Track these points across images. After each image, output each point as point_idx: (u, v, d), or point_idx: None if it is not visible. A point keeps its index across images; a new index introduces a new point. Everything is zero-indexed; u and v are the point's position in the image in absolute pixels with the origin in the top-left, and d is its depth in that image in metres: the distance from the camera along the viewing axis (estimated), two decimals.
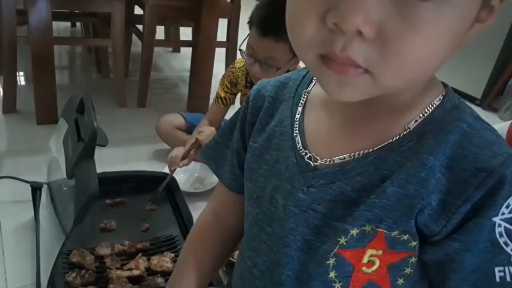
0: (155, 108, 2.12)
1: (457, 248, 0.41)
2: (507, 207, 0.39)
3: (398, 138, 0.44)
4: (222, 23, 2.17)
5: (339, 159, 0.46)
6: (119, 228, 1.20)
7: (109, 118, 1.97)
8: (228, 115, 1.67)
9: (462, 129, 0.42)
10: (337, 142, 0.48)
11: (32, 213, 1.24)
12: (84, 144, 0.87)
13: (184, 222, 1.22)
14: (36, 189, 1.25)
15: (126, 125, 1.94)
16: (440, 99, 0.45)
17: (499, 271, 0.41)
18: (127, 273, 1.04)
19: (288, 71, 1.45)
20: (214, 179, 1.57)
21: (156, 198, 1.33)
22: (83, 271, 1.02)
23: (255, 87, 0.59)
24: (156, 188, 1.34)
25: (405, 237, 0.43)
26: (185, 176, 1.57)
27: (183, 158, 1.43)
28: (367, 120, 0.46)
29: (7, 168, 1.46)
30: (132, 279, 1.03)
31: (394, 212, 0.43)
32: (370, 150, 0.45)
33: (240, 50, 1.44)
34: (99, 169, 1.30)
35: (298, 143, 0.49)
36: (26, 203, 1.27)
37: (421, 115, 0.44)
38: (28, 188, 1.25)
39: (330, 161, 0.47)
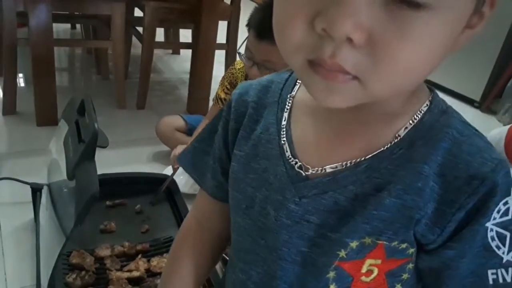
0: (155, 110, 2.12)
1: (452, 255, 0.42)
2: (498, 212, 0.40)
3: (389, 146, 0.43)
4: (222, 26, 2.18)
5: (331, 168, 0.45)
6: (119, 229, 1.21)
7: (109, 120, 1.97)
8: None
9: (452, 136, 0.42)
10: (327, 150, 0.46)
11: (32, 215, 1.24)
12: (84, 145, 0.87)
13: None
14: (36, 190, 1.25)
15: (125, 127, 1.95)
16: (427, 104, 0.45)
17: (492, 273, 0.41)
18: (127, 275, 1.04)
19: None
20: None
21: (156, 200, 1.33)
22: (83, 272, 1.02)
23: (236, 91, 0.55)
24: (156, 189, 1.34)
25: (404, 245, 0.44)
26: (185, 178, 1.57)
27: None
28: (357, 128, 0.45)
29: (7, 170, 1.47)
30: (132, 281, 1.03)
31: (393, 223, 0.43)
32: (362, 158, 0.44)
33: (239, 53, 1.44)
34: (99, 171, 1.30)
35: (287, 151, 0.48)
36: (26, 204, 1.27)
37: (410, 121, 0.43)
38: (28, 190, 1.26)
39: (321, 170, 0.45)
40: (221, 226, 0.61)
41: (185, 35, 2.80)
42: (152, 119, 1.86)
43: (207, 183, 0.60)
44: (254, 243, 0.50)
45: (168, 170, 1.49)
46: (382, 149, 0.43)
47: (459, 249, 0.41)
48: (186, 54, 2.32)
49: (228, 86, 1.58)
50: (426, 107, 0.44)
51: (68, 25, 3.07)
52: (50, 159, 1.22)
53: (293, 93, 0.51)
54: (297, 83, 0.52)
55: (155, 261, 1.10)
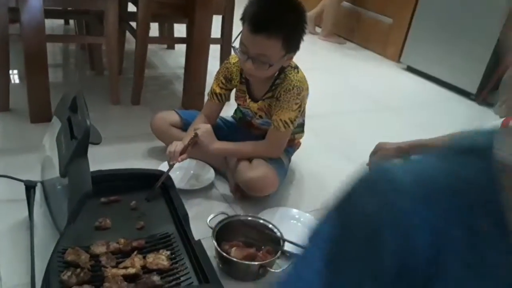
0: (150, 105, 2.11)
1: None
2: None
3: None
4: (217, 20, 2.16)
5: None
6: (114, 226, 1.19)
7: (103, 116, 1.96)
8: (224, 112, 1.67)
9: None
10: None
11: (27, 212, 1.23)
12: (77, 142, 0.86)
13: (180, 220, 1.21)
14: (30, 187, 1.24)
15: (120, 123, 1.94)
16: None
17: None
18: (122, 271, 1.03)
19: (282, 67, 1.46)
20: (210, 176, 1.57)
21: (152, 196, 1.32)
22: (78, 269, 1.01)
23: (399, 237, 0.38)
24: (151, 185, 1.33)
25: None
26: (181, 174, 1.57)
27: (181, 152, 1.42)
28: None
29: (1, 167, 1.45)
30: (127, 277, 1.02)
31: None
32: None
33: (233, 47, 1.43)
34: (93, 167, 1.29)
35: None
36: (20, 202, 1.26)
37: None
38: (22, 187, 1.24)
39: None
40: None
41: (180, 30, 2.78)
42: (147, 114, 1.85)
43: None
44: None
45: (164, 166, 1.48)
46: None
47: None
48: (181, 49, 2.30)
49: (223, 81, 1.57)
50: None
51: (61, 21, 3.06)
52: (43, 156, 1.21)
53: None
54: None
55: (151, 257, 1.09)
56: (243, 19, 1.35)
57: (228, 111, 1.78)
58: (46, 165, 1.17)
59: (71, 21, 3.02)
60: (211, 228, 1.23)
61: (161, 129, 1.65)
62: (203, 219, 1.29)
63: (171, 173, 1.38)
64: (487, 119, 2.73)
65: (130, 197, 1.30)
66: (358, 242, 0.39)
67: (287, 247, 1.23)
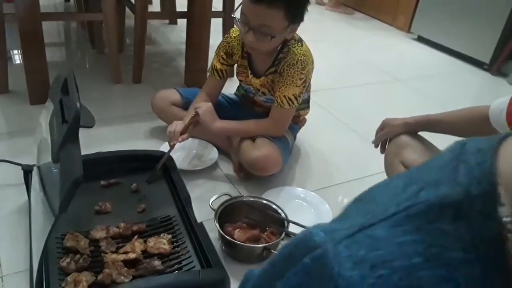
0: (152, 83, 2.06)
1: None
2: None
3: None
4: None
5: None
6: (115, 210, 1.17)
7: (104, 96, 1.92)
8: (227, 89, 1.62)
9: None
10: None
11: (27, 197, 1.21)
12: (67, 127, 0.82)
13: (182, 202, 1.18)
14: (28, 172, 1.21)
15: (121, 103, 1.89)
16: None
17: None
18: (122, 257, 1.01)
19: (285, 41, 1.39)
20: (213, 155, 1.53)
21: (153, 178, 1.29)
22: (78, 255, 0.99)
23: None
24: (152, 167, 1.30)
25: None
26: (183, 154, 1.53)
27: (182, 132, 1.38)
28: None
29: (1, 151, 1.43)
30: (127, 263, 1.00)
31: None
32: None
33: (234, 18, 1.36)
34: (93, 149, 1.27)
35: None
36: (19, 186, 1.24)
37: None
38: (21, 171, 1.22)
39: None
40: None
41: (183, 3, 2.70)
42: (149, 93, 1.80)
43: None
44: None
45: (165, 147, 1.44)
46: None
47: None
48: (184, 24, 2.23)
49: (224, 56, 1.51)
50: None
51: None
52: (40, 137, 1.17)
53: None
54: None
55: (151, 241, 1.07)
56: None
57: (231, 88, 1.72)
58: (42, 147, 1.14)
59: None
60: (213, 209, 1.20)
61: (162, 108, 1.60)
62: (206, 200, 1.26)
63: (172, 154, 1.35)
64: (501, 90, 2.64)
65: (131, 180, 1.27)
66: None
67: (292, 228, 1.19)
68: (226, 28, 2.22)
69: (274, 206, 1.24)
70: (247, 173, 1.45)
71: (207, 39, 1.99)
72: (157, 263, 1.01)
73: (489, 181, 0.31)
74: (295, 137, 1.61)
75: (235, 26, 1.46)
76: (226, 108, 1.58)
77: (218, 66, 1.51)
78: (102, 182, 1.25)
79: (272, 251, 1.13)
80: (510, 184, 0.31)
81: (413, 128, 1.22)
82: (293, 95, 1.38)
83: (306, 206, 1.37)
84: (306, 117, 1.66)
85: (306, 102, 1.59)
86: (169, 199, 1.23)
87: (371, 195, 0.40)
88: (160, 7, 2.78)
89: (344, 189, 1.51)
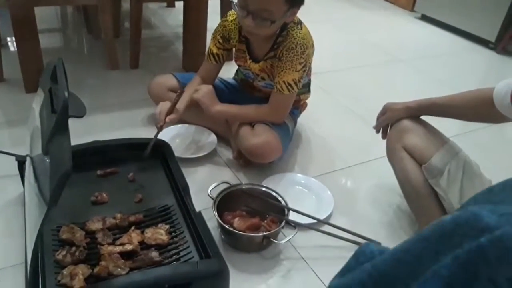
0: (149, 68, 2.02)
1: None
2: None
3: None
4: None
5: None
6: (111, 200, 1.14)
7: (101, 82, 1.89)
8: (225, 72, 1.57)
9: None
10: None
11: (22, 188, 1.19)
12: (56, 117, 0.79)
13: (180, 191, 1.15)
14: (22, 162, 1.19)
15: (119, 89, 1.86)
16: None
17: None
18: (119, 249, 0.98)
19: (284, 24, 1.34)
20: (211, 141, 1.50)
21: (146, 164, 1.25)
22: (74, 248, 0.97)
23: None
24: (152, 155, 1.27)
25: None
26: (180, 141, 1.50)
27: (169, 113, 1.34)
28: None
29: None
30: (124, 255, 0.98)
31: None
32: None
33: (231, 1, 1.31)
34: (89, 137, 1.24)
35: None
36: (15, 177, 1.22)
37: None
38: (16, 162, 1.20)
39: None
40: None
41: None
42: (147, 79, 1.75)
43: None
44: None
45: (163, 134, 1.40)
46: None
47: None
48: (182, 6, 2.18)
49: (221, 40, 1.46)
50: None
51: None
52: (33, 125, 1.14)
53: None
54: None
55: (149, 232, 1.04)
56: None
57: (230, 72, 1.68)
58: (35, 136, 1.11)
59: None
60: (212, 198, 1.17)
61: (159, 94, 1.57)
62: (205, 189, 1.24)
63: (170, 141, 1.31)
64: (506, 69, 2.58)
65: (128, 169, 1.25)
66: None
67: (292, 216, 1.17)
68: (224, 9, 2.16)
69: (274, 194, 1.21)
70: (246, 160, 1.42)
71: (204, 21, 1.94)
72: (154, 254, 0.99)
73: None
74: (295, 123, 1.57)
75: (232, 9, 1.42)
76: (224, 93, 1.54)
77: (215, 50, 1.47)
78: (99, 172, 1.22)
79: (272, 240, 1.11)
80: None
81: (415, 112, 1.19)
82: (292, 80, 1.34)
83: (307, 193, 1.34)
84: (307, 101, 1.62)
85: (307, 86, 1.55)
86: (167, 188, 1.20)
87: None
88: None
89: (346, 175, 1.48)
